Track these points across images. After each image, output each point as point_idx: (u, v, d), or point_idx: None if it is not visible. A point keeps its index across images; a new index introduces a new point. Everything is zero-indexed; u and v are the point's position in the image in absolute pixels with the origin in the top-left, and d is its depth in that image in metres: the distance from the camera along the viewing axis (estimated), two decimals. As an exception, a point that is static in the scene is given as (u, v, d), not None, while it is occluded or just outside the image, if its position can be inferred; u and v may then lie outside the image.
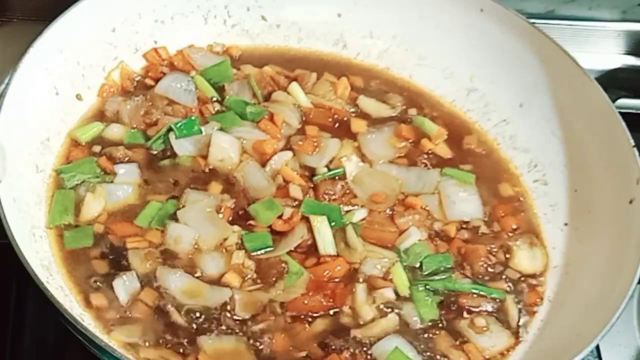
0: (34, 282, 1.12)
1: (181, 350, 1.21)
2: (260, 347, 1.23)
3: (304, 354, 1.24)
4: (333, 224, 1.36)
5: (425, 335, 1.29)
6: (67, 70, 1.44)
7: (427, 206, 1.43)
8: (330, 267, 1.32)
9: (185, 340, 1.22)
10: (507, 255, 1.40)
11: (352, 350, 1.24)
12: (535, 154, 1.53)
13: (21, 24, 1.73)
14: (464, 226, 1.42)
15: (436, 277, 1.34)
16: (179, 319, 1.24)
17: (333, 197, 1.40)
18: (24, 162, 1.33)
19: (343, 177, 1.43)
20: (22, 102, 1.32)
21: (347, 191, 1.42)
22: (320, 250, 1.33)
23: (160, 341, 1.22)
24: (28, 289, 1.39)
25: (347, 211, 1.39)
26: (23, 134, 1.33)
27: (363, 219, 1.39)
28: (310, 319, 1.27)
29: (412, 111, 1.57)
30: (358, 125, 1.52)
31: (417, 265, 1.35)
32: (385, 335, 1.27)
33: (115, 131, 1.45)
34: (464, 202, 1.44)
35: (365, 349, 1.25)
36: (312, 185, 1.41)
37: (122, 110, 1.47)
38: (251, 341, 1.23)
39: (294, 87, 1.54)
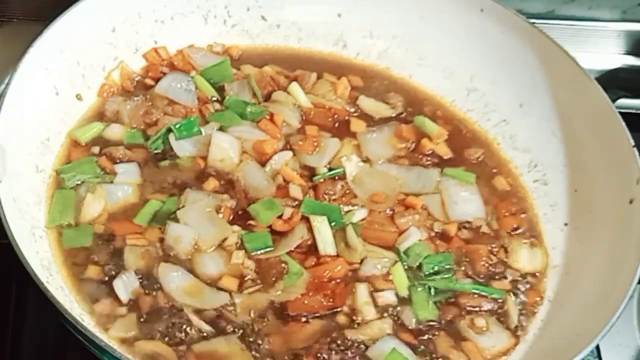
0: (34, 282, 1.12)
1: (181, 350, 1.22)
2: (259, 349, 1.23)
3: (300, 354, 1.24)
4: (333, 224, 1.36)
5: (425, 337, 1.29)
6: (67, 70, 1.44)
7: (427, 206, 1.43)
8: (330, 267, 1.31)
9: (184, 339, 1.22)
10: (508, 255, 1.40)
11: (348, 350, 1.25)
12: (535, 154, 1.53)
13: (21, 24, 1.73)
14: (465, 226, 1.42)
15: (437, 277, 1.34)
16: (194, 318, 1.24)
17: (333, 197, 1.40)
18: (24, 162, 1.33)
19: (343, 177, 1.43)
20: (22, 102, 1.32)
21: (347, 191, 1.42)
22: (320, 251, 1.33)
23: (158, 338, 1.22)
24: (28, 289, 1.39)
25: (347, 211, 1.39)
26: (23, 134, 1.33)
27: (363, 219, 1.39)
28: (307, 319, 1.27)
29: (413, 111, 1.57)
30: (358, 125, 1.52)
31: (417, 265, 1.35)
32: (382, 336, 1.27)
33: (115, 131, 1.45)
34: (466, 202, 1.44)
35: (362, 350, 1.25)
36: (312, 185, 1.41)
37: (122, 110, 1.47)
38: (249, 342, 1.23)
39: (294, 87, 1.54)
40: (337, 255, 1.33)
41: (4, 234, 1.15)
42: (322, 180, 1.42)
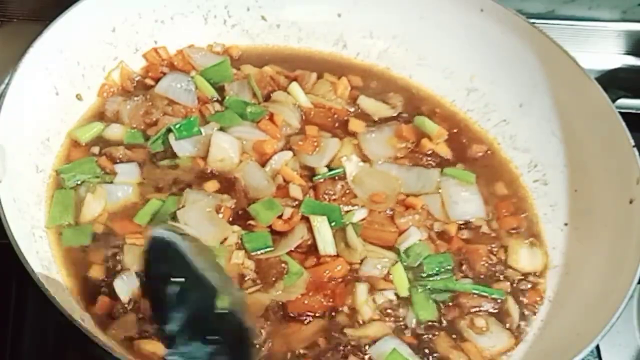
0: (34, 282, 1.12)
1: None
2: (260, 350, 1.23)
3: (300, 354, 1.24)
4: (333, 224, 1.36)
5: (425, 337, 1.28)
6: (67, 70, 1.44)
7: (427, 206, 1.42)
8: (330, 267, 1.31)
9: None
10: (508, 255, 1.40)
11: (348, 351, 1.24)
12: (535, 154, 1.53)
13: (21, 24, 1.73)
14: (465, 226, 1.42)
15: (437, 277, 1.34)
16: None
17: (333, 197, 1.40)
18: (24, 162, 1.33)
19: (343, 177, 1.43)
20: (22, 102, 1.32)
21: (347, 191, 1.42)
22: (320, 251, 1.33)
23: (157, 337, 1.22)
24: (28, 289, 1.39)
25: (347, 211, 1.39)
26: (23, 134, 1.33)
27: (363, 219, 1.39)
28: (307, 319, 1.27)
29: (413, 111, 1.57)
30: (357, 125, 1.52)
31: (417, 265, 1.35)
32: (382, 336, 1.27)
33: (115, 131, 1.45)
34: (467, 202, 1.44)
35: (362, 350, 1.25)
36: (312, 185, 1.41)
37: (122, 110, 1.47)
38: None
39: (294, 87, 1.54)
40: (337, 255, 1.33)
41: (4, 234, 1.15)
42: (322, 180, 1.42)
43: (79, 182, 1.37)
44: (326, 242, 1.33)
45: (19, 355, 1.36)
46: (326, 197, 1.40)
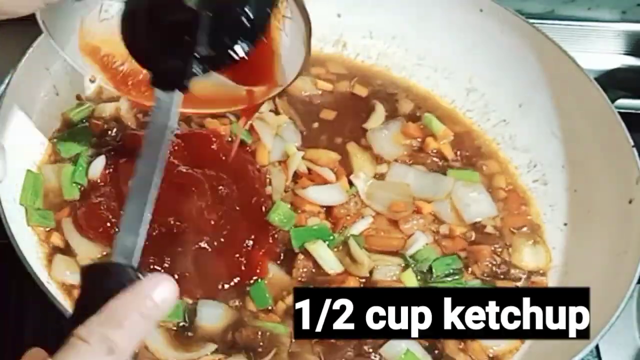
0: (34, 282, 1.12)
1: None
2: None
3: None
4: (326, 243, 1.32)
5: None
6: (67, 70, 1.44)
7: (437, 212, 1.41)
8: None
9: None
10: (511, 254, 1.40)
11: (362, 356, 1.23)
12: (535, 154, 1.53)
13: (21, 24, 1.72)
14: (473, 227, 1.41)
15: (446, 280, 1.33)
16: None
17: (347, 216, 1.37)
18: (24, 162, 1.33)
19: (356, 194, 1.40)
20: (22, 102, 1.32)
21: (360, 206, 1.40)
22: (328, 271, 1.30)
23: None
24: (28, 289, 1.38)
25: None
26: (23, 134, 1.33)
27: (367, 229, 1.36)
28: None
29: (418, 111, 1.57)
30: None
31: (426, 269, 1.33)
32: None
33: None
34: (478, 203, 1.43)
35: (373, 350, 1.24)
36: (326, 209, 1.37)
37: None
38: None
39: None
40: (346, 272, 1.30)
41: (4, 234, 1.15)
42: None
43: (77, 154, 1.36)
44: (330, 262, 1.30)
45: (19, 355, 1.36)
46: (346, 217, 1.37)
